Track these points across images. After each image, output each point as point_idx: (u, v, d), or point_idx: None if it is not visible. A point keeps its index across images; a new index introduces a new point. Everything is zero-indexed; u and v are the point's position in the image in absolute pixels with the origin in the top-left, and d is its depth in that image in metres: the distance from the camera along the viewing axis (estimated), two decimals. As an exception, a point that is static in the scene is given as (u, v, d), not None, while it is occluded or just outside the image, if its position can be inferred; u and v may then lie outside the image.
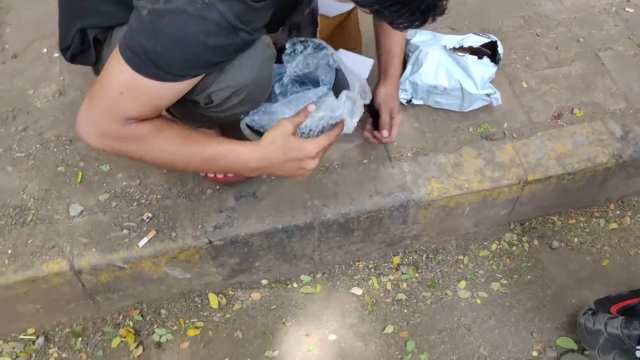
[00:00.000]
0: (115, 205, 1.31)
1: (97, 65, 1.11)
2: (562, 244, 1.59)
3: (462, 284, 1.50)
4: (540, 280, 1.52)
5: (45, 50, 1.55)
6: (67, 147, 1.37)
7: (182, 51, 0.84)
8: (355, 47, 1.32)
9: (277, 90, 1.19)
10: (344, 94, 1.03)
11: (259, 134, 1.08)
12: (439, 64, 1.44)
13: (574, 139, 1.49)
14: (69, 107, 1.44)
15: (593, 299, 1.43)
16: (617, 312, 1.30)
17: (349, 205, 1.35)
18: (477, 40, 1.49)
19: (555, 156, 1.46)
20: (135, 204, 1.31)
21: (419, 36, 1.50)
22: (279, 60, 1.13)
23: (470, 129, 1.48)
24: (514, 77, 1.59)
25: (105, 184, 1.33)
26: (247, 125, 1.11)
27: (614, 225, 1.62)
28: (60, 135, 1.39)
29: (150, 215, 1.30)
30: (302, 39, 1.14)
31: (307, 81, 1.19)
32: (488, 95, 1.46)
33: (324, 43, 1.13)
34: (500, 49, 1.49)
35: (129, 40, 0.85)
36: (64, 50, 1.11)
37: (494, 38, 1.49)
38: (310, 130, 1.02)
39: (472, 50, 1.49)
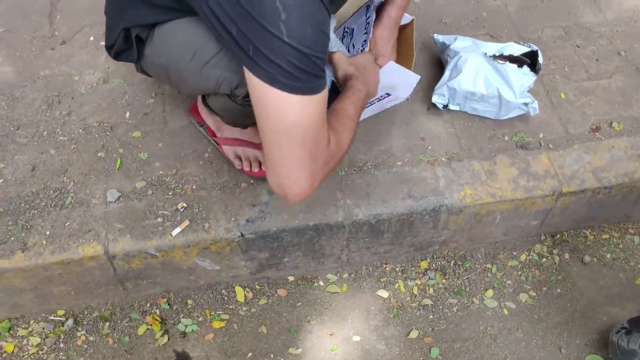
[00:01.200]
0: (151, 193, 1.33)
1: (139, 62, 1.14)
2: (594, 259, 1.56)
3: (490, 293, 1.48)
4: (569, 294, 1.50)
5: (92, 38, 1.58)
6: (107, 133, 1.40)
7: (322, 44, 0.85)
8: (407, 63, 1.34)
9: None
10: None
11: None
12: (477, 70, 1.44)
13: (611, 153, 1.47)
14: (111, 94, 1.47)
15: (625, 317, 1.40)
16: (651, 331, 1.27)
17: (381, 206, 1.35)
18: (517, 49, 1.48)
19: (592, 169, 1.44)
20: (170, 193, 1.33)
21: (459, 42, 1.49)
22: None
23: (506, 137, 1.47)
24: (552, 88, 1.58)
25: (142, 172, 1.35)
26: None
27: (648, 243, 1.59)
28: (102, 122, 1.42)
29: (184, 205, 1.31)
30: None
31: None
32: (526, 104, 1.45)
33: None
34: (540, 59, 1.48)
35: (273, 73, 0.81)
36: (109, 48, 1.13)
37: (535, 47, 1.48)
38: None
39: (512, 59, 1.48)
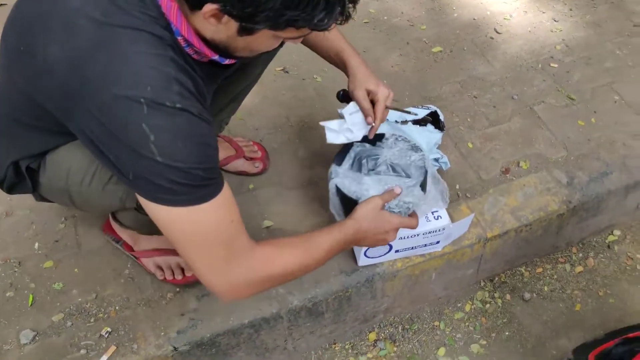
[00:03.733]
0: (70, 324, 1.24)
1: (36, 191, 1.10)
2: (534, 295, 1.58)
3: (442, 351, 1.46)
4: (517, 335, 1.50)
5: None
6: (15, 269, 1.32)
7: (201, 154, 0.84)
8: None
9: (370, 166, 1.30)
10: (433, 187, 1.26)
11: (342, 197, 1.21)
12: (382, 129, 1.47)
13: (524, 191, 1.53)
14: (16, 227, 1.40)
15: (571, 347, 1.42)
16: (596, 360, 1.28)
17: (315, 288, 1.32)
18: (418, 113, 1.54)
19: (509, 210, 1.49)
20: (92, 320, 1.25)
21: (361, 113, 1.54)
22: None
23: (424, 195, 1.51)
24: (459, 139, 1.65)
25: (58, 303, 1.27)
26: (337, 186, 1.22)
27: (579, 269, 1.64)
28: (8, 258, 1.34)
29: (109, 329, 1.24)
30: (401, 135, 1.32)
31: (398, 170, 1.30)
32: (436, 160, 1.51)
33: (421, 146, 1.31)
34: (441, 116, 1.55)
35: (154, 192, 0.82)
36: (0, 183, 1.09)
37: (433, 108, 1.55)
38: (392, 210, 1.16)
39: (415, 122, 1.54)
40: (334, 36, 1.26)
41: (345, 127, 1.27)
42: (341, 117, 1.30)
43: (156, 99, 0.78)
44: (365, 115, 1.24)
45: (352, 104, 1.27)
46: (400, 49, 1.91)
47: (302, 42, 1.25)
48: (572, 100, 1.74)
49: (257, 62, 1.32)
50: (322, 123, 1.28)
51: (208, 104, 0.95)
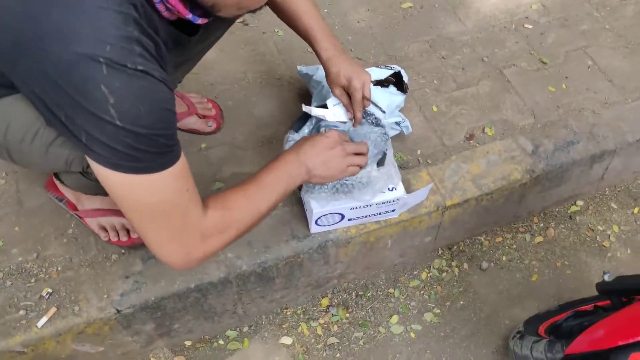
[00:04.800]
0: (10, 284, 1.20)
1: None
2: (492, 264, 1.57)
3: (395, 318, 1.46)
4: (472, 304, 1.50)
5: None
6: (-49, 227, 1.27)
7: (163, 120, 0.80)
8: None
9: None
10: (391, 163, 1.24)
11: None
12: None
13: (487, 159, 1.49)
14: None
15: (524, 317, 1.41)
16: (544, 332, 1.28)
17: (265, 253, 1.29)
18: (380, 73, 1.47)
19: (471, 178, 1.45)
20: (32, 280, 1.21)
21: (322, 71, 1.47)
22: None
23: (384, 160, 1.46)
24: (424, 102, 1.59)
25: (-3, 263, 1.23)
26: None
27: (539, 239, 1.62)
28: (-57, 216, 1.29)
29: (49, 290, 1.20)
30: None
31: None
32: (397, 123, 1.45)
33: (381, 120, 1.28)
34: (405, 77, 1.48)
35: (110, 157, 0.77)
36: None
37: (397, 68, 1.48)
38: (345, 183, 1.18)
39: (378, 82, 1.48)
40: (308, 18, 1.22)
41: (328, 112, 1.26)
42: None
43: (117, 59, 0.72)
44: (347, 110, 1.25)
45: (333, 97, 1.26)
46: (369, 3, 1.81)
47: (281, 17, 1.25)
48: (544, 65, 1.68)
49: (220, 25, 1.25)
50: (304, 108, 1.25)
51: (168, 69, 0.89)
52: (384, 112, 1.34)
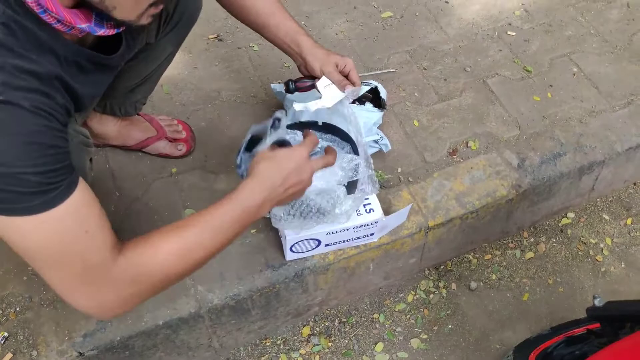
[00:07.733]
0: (-37, 329, 1.13)
1: None
2: (481, 283, 1.50)
3: (380, 346, 1.38)
4: (461, 328, 1.43)
5: None
6: None
7: (30, 156, 0.69)
8: None
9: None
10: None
11: None
12: (317, 117, 1.35)
13: (471, 175, 1.42)
14: None
15: (515, 340, 1.34)
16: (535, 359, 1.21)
17: (238, 285, 1.22)
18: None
19: (455, 196, 1.38)
20: (-12, 324, 1.14)
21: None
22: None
23: (363, 179, 1.39)
24: (405, 116, 1.52)
25: (-51, 306, 1.15)
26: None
27: (530, 255, 1.55)
28: None
29: (5, 335, 1.12)
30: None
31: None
32: (376, 141, 1.38)
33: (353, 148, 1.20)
34: (383, 93, 1.42)
35: None
36: None
37: (375, 83, 1.41)
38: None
39: (353, 100, 1.41)
40: (283, 17, 1.16)
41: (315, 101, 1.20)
42: (290, 91, 1.22)
43: None
44: (343, 86, 1.18)
45: (323, 79, 1.18)
46: (347, 14, 1.74)
47: (251, 26, 1.18)
48: (529, 73, 1.61)
49: (166, 43, 1.18)
50: (297, 106, 1.19)
51: (81, 92, 0.81)
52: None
